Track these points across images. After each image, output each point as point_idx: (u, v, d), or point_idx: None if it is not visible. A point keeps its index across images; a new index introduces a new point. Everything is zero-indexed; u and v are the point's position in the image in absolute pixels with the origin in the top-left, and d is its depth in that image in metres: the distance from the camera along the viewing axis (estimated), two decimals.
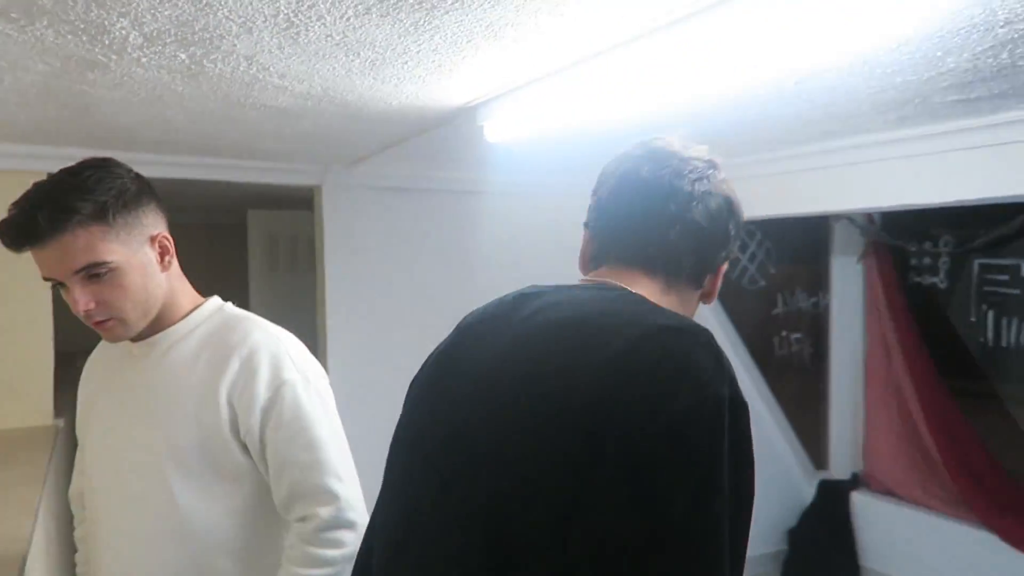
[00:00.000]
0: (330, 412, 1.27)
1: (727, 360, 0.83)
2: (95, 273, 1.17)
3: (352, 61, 1.57)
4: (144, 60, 1.56)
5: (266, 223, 4.26)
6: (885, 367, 3.92)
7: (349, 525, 1.21)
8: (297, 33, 1.38)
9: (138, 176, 1.27)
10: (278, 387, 1.21)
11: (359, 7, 1.25)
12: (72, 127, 2.27)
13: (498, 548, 0.78)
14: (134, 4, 1.24)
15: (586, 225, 1.06)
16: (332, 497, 1.20)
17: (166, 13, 1.28)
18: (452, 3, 1.24)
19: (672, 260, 0.98)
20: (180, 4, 1.24)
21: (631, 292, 0.95)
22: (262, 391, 1.21)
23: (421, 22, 1.32)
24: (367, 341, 3.29)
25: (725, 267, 1.06)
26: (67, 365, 2.68)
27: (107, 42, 1.44)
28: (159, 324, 1.28)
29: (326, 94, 1.85)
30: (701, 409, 0.77)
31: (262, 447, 1.22)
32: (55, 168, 2.83)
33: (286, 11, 1.27)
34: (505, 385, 0.86)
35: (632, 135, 2.17)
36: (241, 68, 1.62)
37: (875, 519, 3.87)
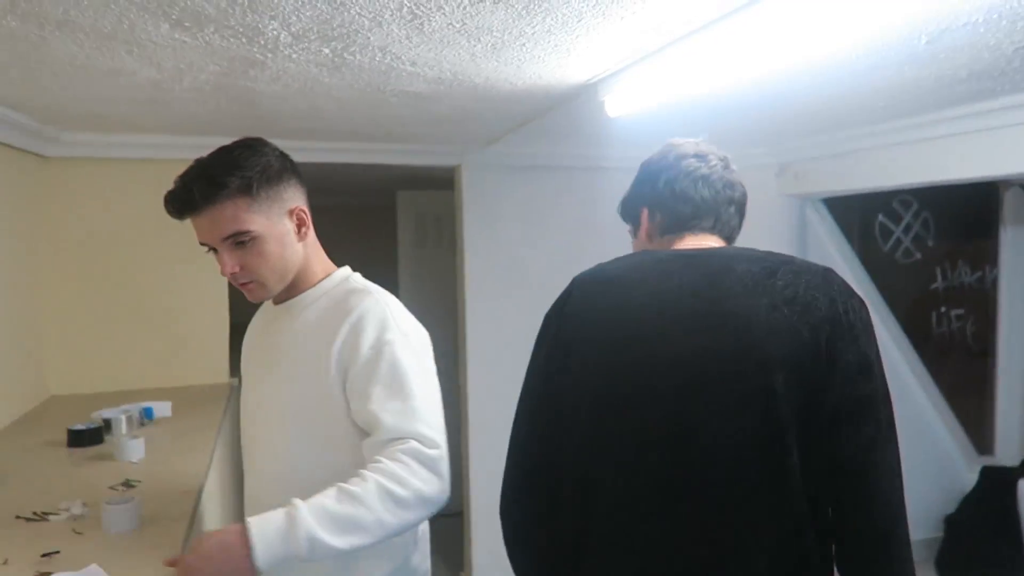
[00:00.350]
0: (426, 368, 1.34)
1: None
2: (240, 240, 1.31)
3: (475, 46, 1.68)
4: (294, 56, 1.75)
5: (414, 203, 4.52)
6: None
7: (432, 466, 1.25)
8: (421, 24, 1.51)
9: (282, 154, 1.40)
10: (380, 347, 1.30)
11: None
12: (240, 119, 2.55)
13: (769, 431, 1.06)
14: (281, 7, 1.41)
15: (648, 206, 1.36)
16: (422, 437, 1.26)
17: (307, 13, 1.44)
18: None
19: (727, 226, 1.33)
20: (318, 4, 1.40)
21: (733, 246, 1.31)
22: (366, 349, 1.30)
23: (532, 5, 1.40)
24: (503, 311, 3.44)
25: None
26: (239, 334, 3.05)
27: (262, 42, 1.64)
28: (295, 289, 1.43)
29: (456, 78, 1.98)
30: (861, 300, 1.11)
31: (362, 401, 1.30)
32: None
33: (409, 4, 1.40)
34: (717, 316, 1.11)
35: (750, 103, 2.15)
36: (377, 58, 1.78)
37: None
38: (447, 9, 1.42)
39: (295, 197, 1.40)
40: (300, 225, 1.40)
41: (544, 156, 3.37)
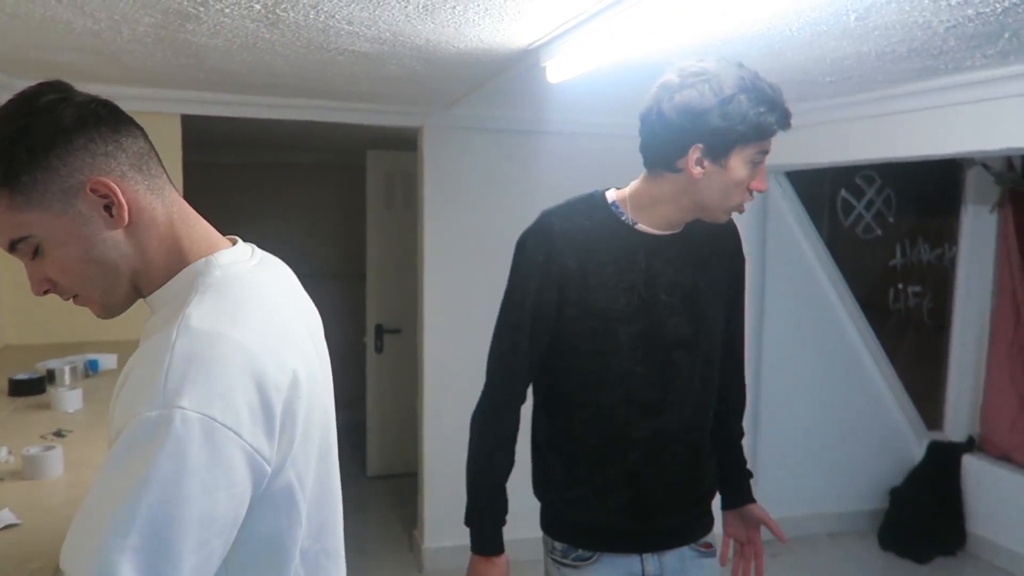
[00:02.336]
0: (188, 462, 0.77)
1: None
2: (28, 250, 0.91)
3: (406, 7, 1.67)
4: (227, 11, 1.74)
5: (383, 163, 4.51)
6: (1013, 326, 3.65)
7: None
8: None
9: (55, 103, 0.89)
10: (127, 420, 0.80)
11: None
12: (192, 72, 2.53)
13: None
14: None
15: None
16: None
17: None
18: None
19: (649, 154, 1.46)
20: None
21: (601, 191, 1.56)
22: (117, 419, 0.83)
23: None
24: (460, 273, 3.47)
25: (696, 153, 1.37)
26: None
27: None
28: (145, 293, 0.98)
29: (396, 39, 1.97)
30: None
31: None
32: (187, 110, 3.15)
33: None
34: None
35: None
36: (311, 16, 1.77)
37: (987, 484, 3.66)
38: None
39: (87, 165, 0.89)
40: (107, 204, 0.90)
41: (506, 119, 3.36)
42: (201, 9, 1.73)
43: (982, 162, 3.64)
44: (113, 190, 0.89)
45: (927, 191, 3.90)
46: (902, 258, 3.94)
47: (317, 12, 1.73)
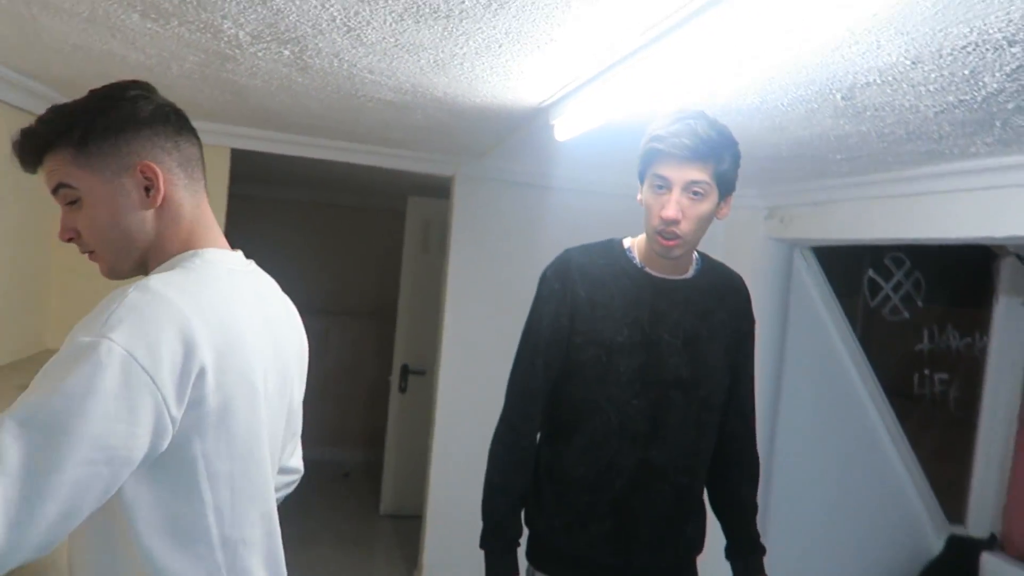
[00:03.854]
0: (99, 385, 0.89)
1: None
2: (69, 199, 1.09)
3: (418, 61, 1.81)
4: (259, 55, 1.91)
5: (422, 209, 4.68)
6: None
7: None
8: (359, 35, 1.65)
9: (144, 100, 1.11)
10: (67, 341, 0.94)
11: (393, 13, 1.48)
12: (237, 108, 2.73)
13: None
14: (228, 7, 1.56)
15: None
16: None
17: (252, 16, 1.59)
18: (460, 14, 1.43)
19: None
20: (258, 8, 1.54)
21: None
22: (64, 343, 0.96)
23: (451, 27, 1.53)
24: (478, 322, 3.56)
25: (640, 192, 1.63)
26: None
27: (226, 39, 1.80)
28: (143, 271, 1.14)
29: (416, 90, 2.12)
30: None
31: None
32: (235, 144, 3.35)
33: (342, 16, 1.54)
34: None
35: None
36: (335, 64, 1.92)
37: None
38: (375, 24, 1.56)
39: (146, 151, 1.08)
40: (148, 186, 1.08)
41: (530, 174, 3.48)
42: (237, 51, 1.90)
43: (1015, 252, 3.59)
44: (157, 176, 1.08)
45: (958, 278, 3.85)
46: (930, 343, 3.87)
47: (340, 61, 1.88)
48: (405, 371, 4.74)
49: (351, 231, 5.83)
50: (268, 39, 1.76)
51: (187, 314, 0.97)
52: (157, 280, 1.00)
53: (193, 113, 2.99)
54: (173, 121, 1.14)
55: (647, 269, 1.64)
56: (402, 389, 4.77)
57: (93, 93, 1.11)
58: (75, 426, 0.87)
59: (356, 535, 4.53)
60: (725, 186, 1.55)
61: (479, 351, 3.56)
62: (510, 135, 2.66)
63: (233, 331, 1.04)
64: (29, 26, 1.86)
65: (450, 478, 3.57)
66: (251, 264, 1.22)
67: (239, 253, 1.20)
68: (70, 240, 1.11)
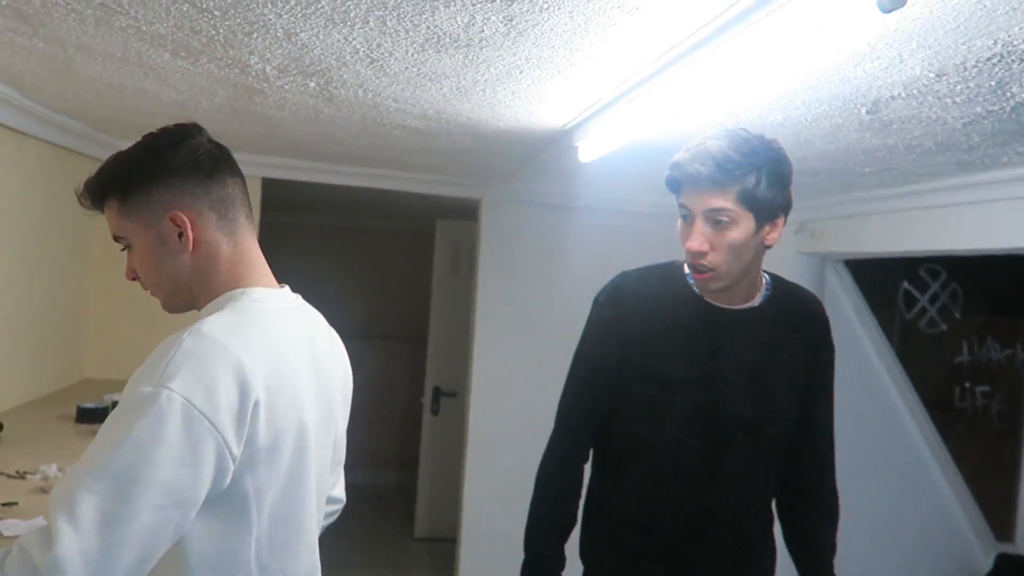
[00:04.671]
0: (164, 435, 0.93)
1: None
2: (124, 246, 1.18)
3: (440, 89, 1.84)
4: (286, 87, 1.95)
5: (451, 231, 4.71)
6: None
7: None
8: (381, 66, 1.68)
9: (175, 145, 1.15)
10: (127, 393, 0.99)
11: (415, 44, 1.51)
12: (267, 139, 2.79)
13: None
14: (255, 44, 1.60)
15: (784, 211, 1.44)
16: (44, 534, 0.91)
17: (278, 51, 1.63)
18: (480, 42, 1.45)
19: None
20: (283, 44, 1.58)
21: None
22: (123, 394, 1.01)
23: (471, 55, 1.55)
24: (509, 344, 3.56)
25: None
26: None
27: (254, 74, 1.84)
28: (198, 306, 1.19)
29: (440, 116, 2.14)
30: None
31: None
32: (267, 173, 3.42)
33: (364, 48, 1.57)
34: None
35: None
36: (359, 95, 1.96)
37: None
38: (397, 55, 1.58)
39: (175, 199, 1.13)
40: (179, 233, 1.13)
41: (557, 195, 3.50)
42: (265, 85, 1.95)
43: None
44: (185, 223, 1.12)
45: (997, 288, 3.77)
46: (969, 356, 3.78)
47: (364, 91, 1.92)
48: (437, 393, 4.76)
49: (381, 255, 5.89)
50: (294, 72, 1.80)
51: (239, 356, 1.01)
52: (209, 325, 1.04)
53: (224, 144, 3.06)
54: (204, 165, 1.16)
55: (707, 298, 1.48)
56: (434, 411, 4.78)
57: (140, 142, 1.18)
58: (145, 475, 0.92)
59: (391, 559, 4.53)
60: (761, 209, 1.36)
61: (509, 372, 3.56)
62: (534, 157, 2.68)
63: (282, 368, 1.07)
64: (65, 68, 1.93)
65: (484, 500, 3.56)
66: (298, 299, 1.25)
67: (286, 289, 1.24)
68: (134, 279, 1.20)
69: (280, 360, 1.08)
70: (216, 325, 1.04)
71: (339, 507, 1.46)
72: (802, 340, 1.52)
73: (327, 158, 3.19)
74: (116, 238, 1.17)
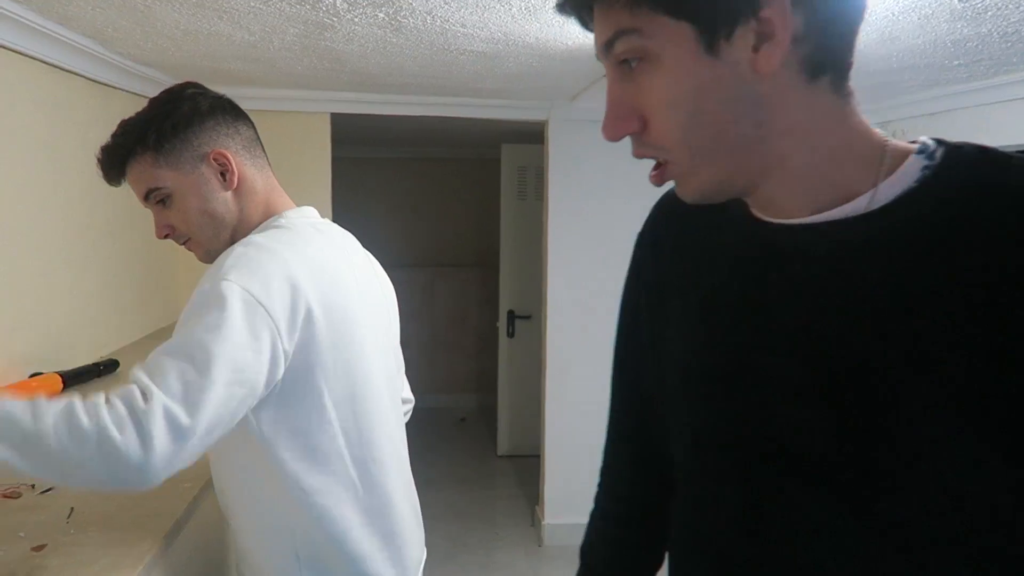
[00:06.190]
0: (232, 322, 1.01)
1: None
2: (159, 199, 1.22)
3: (509, 9, 1.82)
4: (356, 20, 1.96)
5: (516, 156, 4.70)
6: None
7: (138, 418, 0.93)
8: None
9: (201, 96, 1.24)
10: (204, 285, 1.07)
11: None
12: (337, 75, 2.81)
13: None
14: None
15: None
16: (144, 386, 0.96)
17: None
18: None
19: None
20: None
21: None
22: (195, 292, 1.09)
23: None
24: (582, 262, 3.58)
25: None
26: None
27: (324, 8, 1.86)
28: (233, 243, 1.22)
29: (508, 38, 2.13)
30: None
31: None
32: (335, 108, 3.46)
33: None
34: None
35: None
36: (428, 21, 1.96)
37: None
38: None
39: (213, 140, 1.22)
40: (223, 171, 1.22)
41: None
42: (335, 19, 1.97)
43: None
44: (229, 160, 1.23)
45: None
46: None
47: (433, 17, 1.92)
48: (512, 316, 4.85)
49: (448, 183, 5.93)
50: (364, 4, 1.81)
51: (289, 260, 1.10)
52: (258, 236, 1.16)
53: (294, 83, 3.10)
54: (229, 110, 1.27)
55: (755, 211, 0.73)
56: (510, 334, 4.88)
57: (154, 100, 1.24)
58: (218, 351, 0.99)
59: (477, 476, 4.73)
60: (698, 5, 0.63)
61: (583, 291, 3.60)
62: (602, 74, 2.63)
63: (331, 273, 1.18)
64: (144, 17, 1.98)
65: (564, 417, 3.66)
66: (327, 220, 1.35)
67: (314, 210, 1.34)
68: (166, 236, 1.26)
69: (328, 266, 1.19)
70: (265, 237, 1.16)
71: (409, 407, 1.58)
72: (990, 287, 0.60)
73: (394, 89, 3.20)
74: (147, 196, 1.22)
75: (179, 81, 1.32)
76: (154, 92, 2.86)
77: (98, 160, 1.23)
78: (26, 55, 1.97)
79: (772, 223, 0.71)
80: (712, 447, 0.76)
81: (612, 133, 0.71)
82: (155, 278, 3.16)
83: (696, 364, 0.77)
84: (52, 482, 1.09)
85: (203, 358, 0.98)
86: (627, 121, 0.70)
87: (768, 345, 0.70)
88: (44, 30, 1.97)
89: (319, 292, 1.12)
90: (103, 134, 1.30)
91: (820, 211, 0.67)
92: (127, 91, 2.71)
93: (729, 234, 0.76)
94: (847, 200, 0.66)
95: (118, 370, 2.29)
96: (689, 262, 0.81)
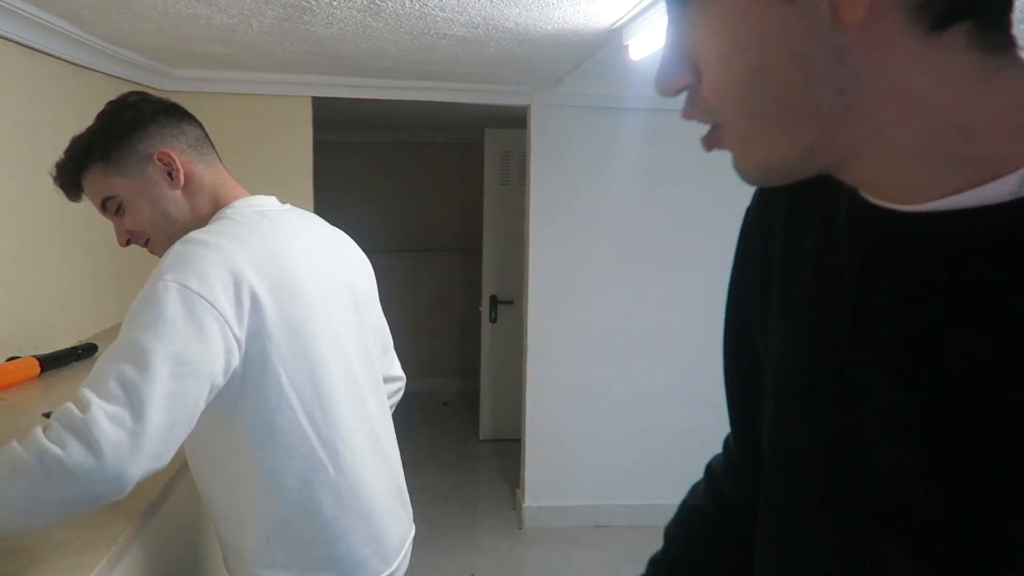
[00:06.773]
0: (171, 321, 1.02)
1: None
2: (114, 208, 1.27)
3: None
4: (335, 3, 1.96)
5: (500, 141, 4.70)
6: None
7: (77, 430, 0.93)
8: None
9: (142, 100, 1.29)
10: (147, 287, 1.08)
11: None
12: (316, 59, 2.81)
13: None
14: None
15: None
16: (79, 398, 0.97)
17: None
18: None
19: None
20: None
21: None
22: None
23: None
24: (563, 248, 3.61)
25: None
26: None
27: None
28: None
29: (488, 23, 2.13)
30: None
31: None
32: (316, 92, 3.44)
33: None
34: None
35: None
36: (406, 5, 1.96)
37: None
38: None
39: (157, 142, 1.26)
40: (169, 171, 1.26)
41: (607, 98, 3.45)
42: (313, 2, 1.96)
43: None
44: (173, 159, 1.26)
45: None
46: None
47: (412, 2, 1.92)
48: (494, 301, 4.86)
49: (431, 169, 5.93)
50: None
51: (228, 250, 1.12)
52: (197, 233, 1.17)
53: (274, 66, 3.08)
54: (173, 112, 1.31)
55: (867, 196, 0.54)
56: (492, 319, 4.90)
57: (100, 113, 1.28)
58: (154, 347, 1.00)
59: (459, 460, 4.77)
60: None
61: (565, 277, 3.62)
62: (584, 59, 2.64)
63: (279, 258, 1.19)
64: None
65: (545, 401, 3.69)
66: (287, 205, 1.37)
67: (272, 198, 1.35)
68: (128, 243, 1.30)
69: (276, 250, 1.20)
70: (204, 232, 1.17)
71: (400, 384, 1.59)
72: None
73: (376, 73, 3.19)
74: (104, 205, 1.26)
75: (159, 63, 1.34)
76: (133, 74, 2.88)
77: (53, 179, 1.27)
78: (3, 37, 1.95)
79: (884, 208, 0.52)
80: (806, 480, 0.60)
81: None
82: (135, 262, 3.15)
83: (797, 383, 0.62)
84: (28, 529, 1.04)
85: (140, 357, 0.99)
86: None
87: (874, 358, 0.53)
88: (21, 12, 1.95)
89: (264, 277, 1.14)
90: (82, 117, 1.31)
91: (949, 194, 0.48)
92: (106, 73, 2.68)
93: (841, 216, 0.58)
94: (990, 180, 0.46)
95: (96, 354, 2.29)
96: (796, 244, 0.65)
